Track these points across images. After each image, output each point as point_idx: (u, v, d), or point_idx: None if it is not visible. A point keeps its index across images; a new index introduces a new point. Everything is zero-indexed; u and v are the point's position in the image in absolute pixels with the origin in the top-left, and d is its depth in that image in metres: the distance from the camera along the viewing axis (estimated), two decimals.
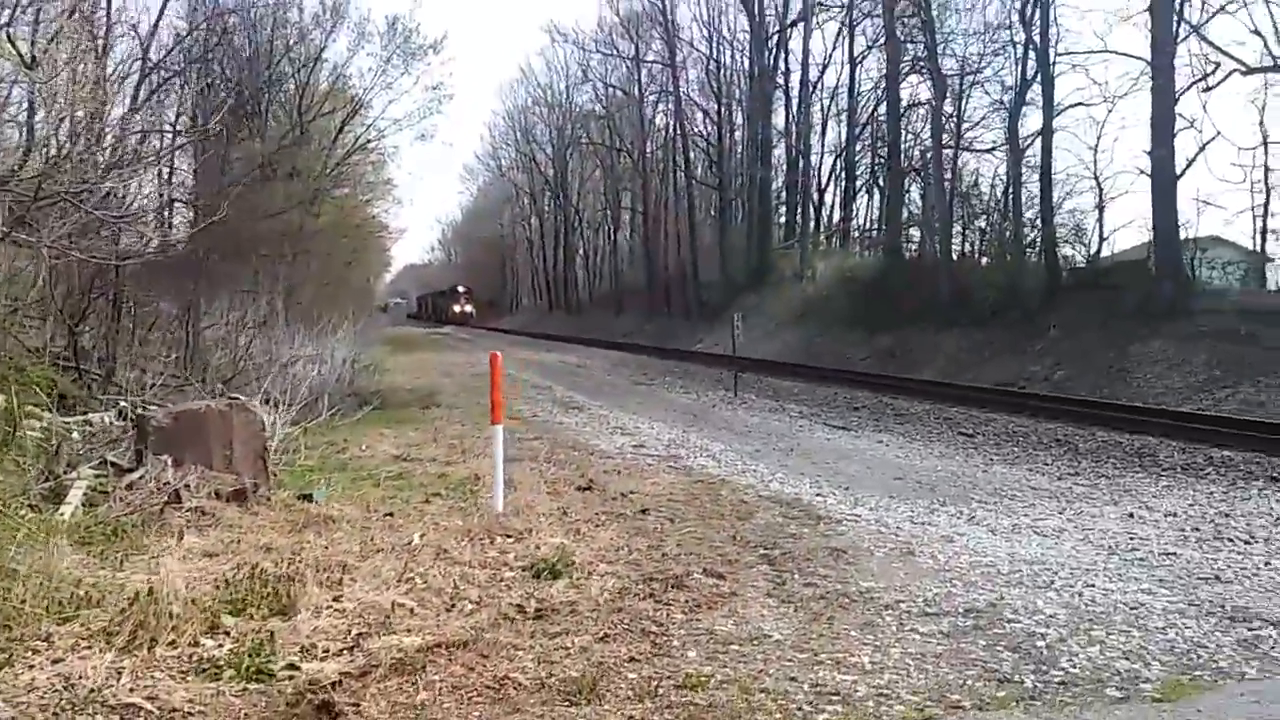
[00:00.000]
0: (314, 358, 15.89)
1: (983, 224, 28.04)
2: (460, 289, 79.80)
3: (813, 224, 40.32)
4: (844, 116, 39.46)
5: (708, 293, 40.57)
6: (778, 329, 33.13)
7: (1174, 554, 5.90)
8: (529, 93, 58.77)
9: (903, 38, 29.74)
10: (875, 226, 36.86)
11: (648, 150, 46.67)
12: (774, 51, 38.98)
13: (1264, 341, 17.03)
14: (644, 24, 43.93)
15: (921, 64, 27.28)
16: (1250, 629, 4.36)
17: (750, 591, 5.01)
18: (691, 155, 43.83)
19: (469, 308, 77.57)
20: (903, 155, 32.20)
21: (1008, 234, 25.38)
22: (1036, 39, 23.06)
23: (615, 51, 46.78)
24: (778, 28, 38.51)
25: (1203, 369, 17.26)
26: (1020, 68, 24.37)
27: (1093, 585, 5.15)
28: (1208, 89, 20.48)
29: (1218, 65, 18.98)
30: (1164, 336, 18.72)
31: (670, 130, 44.72)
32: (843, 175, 40.18)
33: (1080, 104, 23.23)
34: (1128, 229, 42.14)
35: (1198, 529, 6.74)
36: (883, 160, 34.15)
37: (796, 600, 4.85)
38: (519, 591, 4.76)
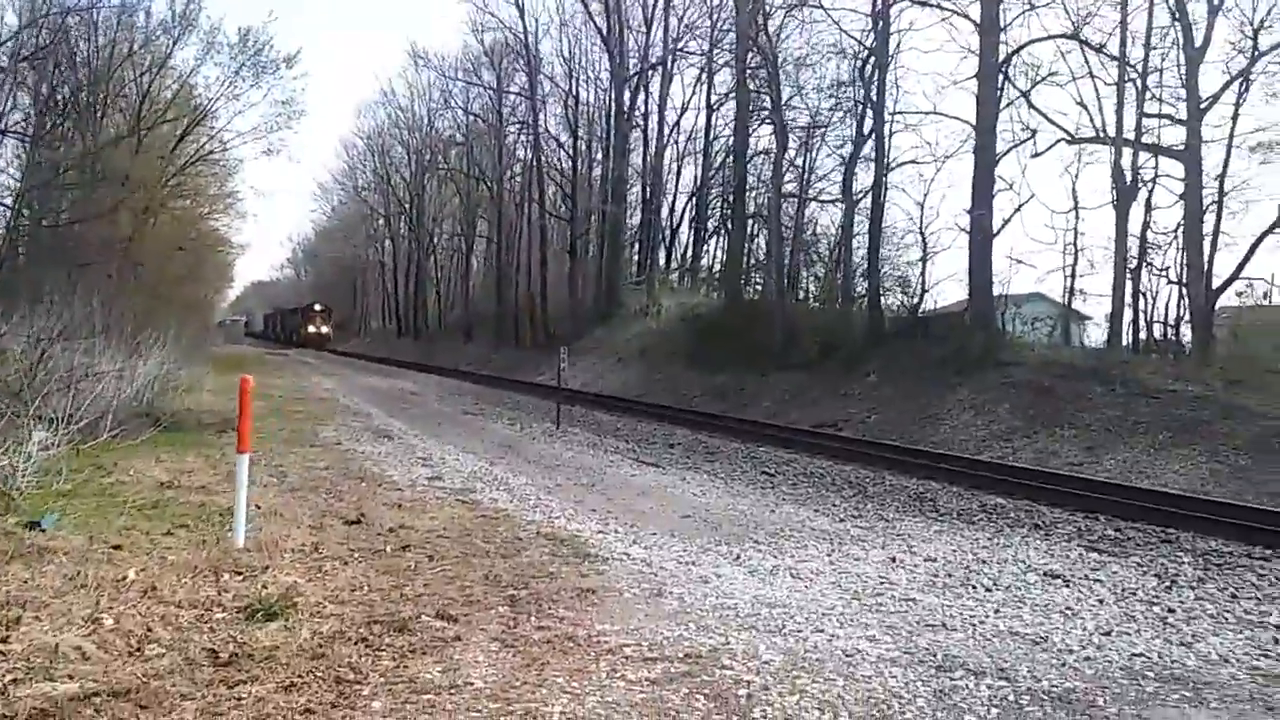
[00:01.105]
0: (114, 374, 14.98)
1: (819, 271, 28.84)
2: (317, 307, 72.68)
3: (663, 262, 40.88)
4: (700, 159, 40.34)
5: (557, 325, 40.49)
6: (621, 364, 33.27)
7: (914, 600, 6.03)
8: (389, 115, 57.93)
9: (754, 88, 30.52)
10: (722, 268, 37.51)
11: (505, 180, 46.43)
12: (633, 92, 39.45)
13: (1061, 394, 17.99)
14: (508, 55, 43.85)
15: (767, 114, 28.02)
16: (951, 679, 4.44)
17: (478, 635, 4.84)
18: (548, 189, 43.81)
19: (325, 328, 70.51)
20: (750, 201, 32.95)
21: (838, 282, 26.17)
22: (874, 97, 23.95)
23: (478, 80, 46.56)
24: (638, 69, 38.98)
25: (1006, 418, 18.08)
26: (857, 124, 25.27)
27: (821, 630, 5.19)
28: (1035, 155, 21.74)
29: (1035, 132, 20.08)
30: (973, 386, 19.57)
31: (528, 162, 44.61)
32: (694, 217, 40.97)
33: (912, 161, 24.55)
34: (951, 282, 44.20)
35: (950, 575, 6.92)
36: (729, 205, 34.85)
37: (519, 645, 4.72)
38: (222, 635, 4.47)
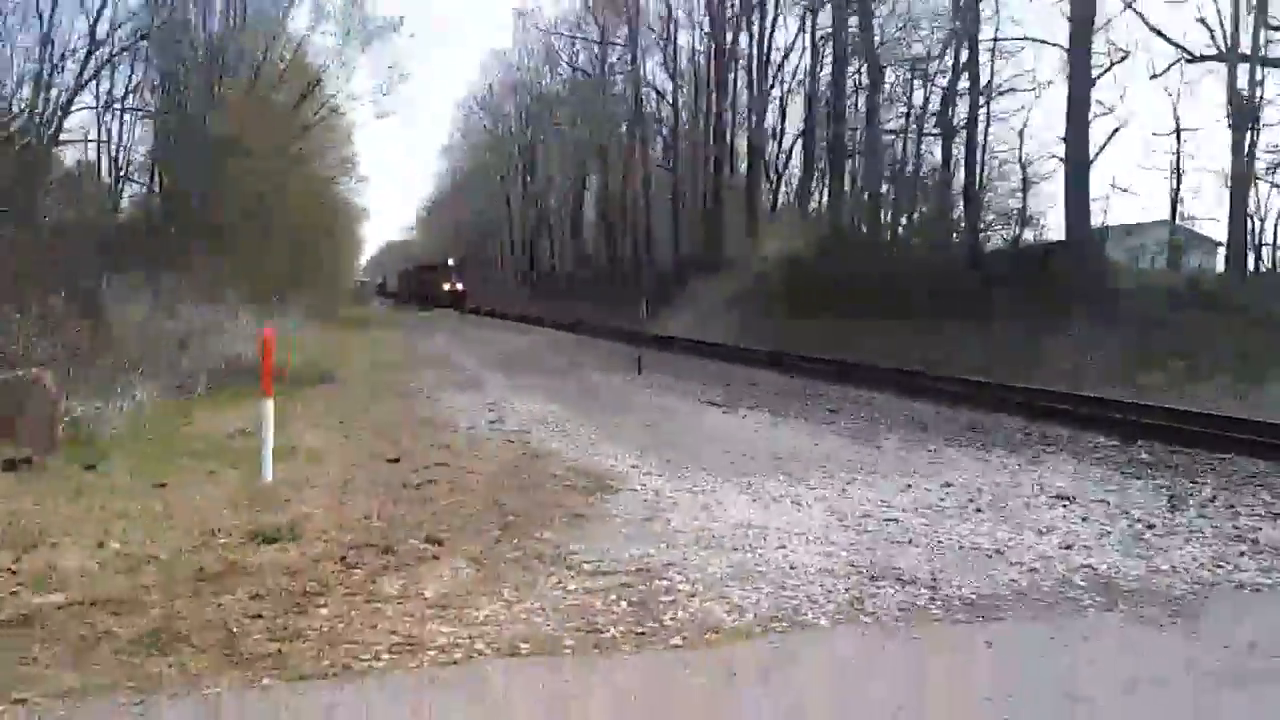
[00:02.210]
0: (222, 333, 16.11)
1: (923, 207, 28.24)
2: (450, 262, 66.31)
3: (769, 207, 40.56)
4: (806, 100, 39.65)
5: (665, 273, 40.74)
6: (723, 310, 33.33)
7: (896, 521, 6.20)
8: (500, 73, 58.84)
9: (853, 25, 29.88)
10: (826, 210, 36.99)
11: (611, 133, 46.76)
12: (734, 35, 39.06)
13: (1168, 323, 17.35)
14: (609, 7, 43.91)
15: (855, 49, 27.46)
16: (876, 587, 4.65)
17: (455, 556, 5.26)
18: (649, 137, 43.92)
19: (461, 285, 63.60)
20: (851, 140, 32.37)
21: (937, 217, 25.61)
22: (968, 25, 23.21)
23: (582, 34, 46.83)
24: (736, 10, 38.56)
25: (1109, 350, 17.53)
26: (955, 55, 24.54)
27: (783, 548, 5.45)
28: (1154, 76, 20.76)
29: (1126, 54, 19.19)
30: (1075, 319, 18.98)
31: (631, 113, 44.81)
32: (802, 159, 40.41)
33: (1011, 90, 23.46)
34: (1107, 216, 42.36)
35: (955, 498, 6.99)
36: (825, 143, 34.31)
37: (488, 563, 5.13)
38: (217, 556, 5.03)
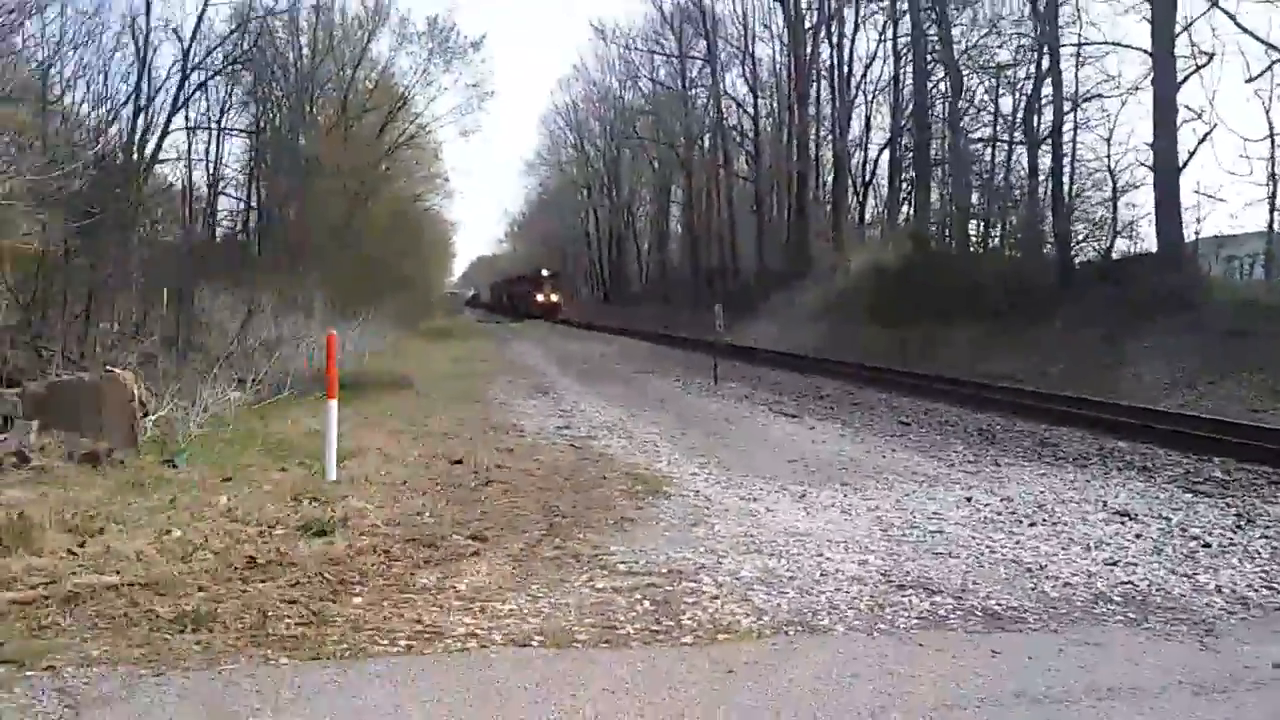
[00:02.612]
0: (306, 341, 16.65)
1: (1012, 218, 27.68)
2: (544, 273, 64.53)
3: (855, 216, 40.19)
4: (890, 109, 39.25)
5: (749, 285, 40.69)
6: (807, 322, 33.19)
7: (944, 533, 6.13)
8: (583, 89, 59.54)
9: (932, 33, 29.50)
10: (911, 220, 36.50)
11: (693, 146, 46.91)
12: (813, 45, 38.85)
13: (1257, 335, 16.70)
14: (687, 21, 44.14)
15: (938, 57, 27.08)
16: (901, 595, 4.64)
17: (496, 553, 5.42)
18: (730, 150, 43.93)
19: (555, 297, 61.88)
20: (936, 149, 31.92)
21: (1026, 226, 25.08)
22: (1048, 29, 22.74)
23: (660, 49, 47.13)
24: (814, 21, 38.38)
25: (1193, 363, 16.98)
26: (1036, 61, 24.04)
27: (821, 555, 5.46)
28: (1249, 79, 20.03)
29: (1211, 56, 18.56)
30: (1161, 331, 18.43)
31: (712, 125, 44.91)
32: (890, 169, 39.94)
33: (1097, 95, 22.85)
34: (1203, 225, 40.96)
35: (1012, 512, 6.90)
36: (911, 153, 33.87)
37: (526, 560, 5.27)
38: (269, 546, 5.26)
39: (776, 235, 40.06)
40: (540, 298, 61.82)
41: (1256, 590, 4.89)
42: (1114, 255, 22.89)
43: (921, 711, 3.19)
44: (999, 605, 4.48)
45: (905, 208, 39.56)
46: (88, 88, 22.76)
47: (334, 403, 7.27)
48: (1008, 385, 17.32)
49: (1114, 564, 5.32)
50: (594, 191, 64.61)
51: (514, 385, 16.67)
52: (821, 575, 5.01)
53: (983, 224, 29.04)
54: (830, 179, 41.26)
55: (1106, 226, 22.90)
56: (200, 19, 26.55)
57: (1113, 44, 21.82)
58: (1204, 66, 18.86)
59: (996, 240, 28.57)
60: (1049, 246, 24.28)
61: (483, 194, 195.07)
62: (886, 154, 39.70)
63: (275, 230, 32.92)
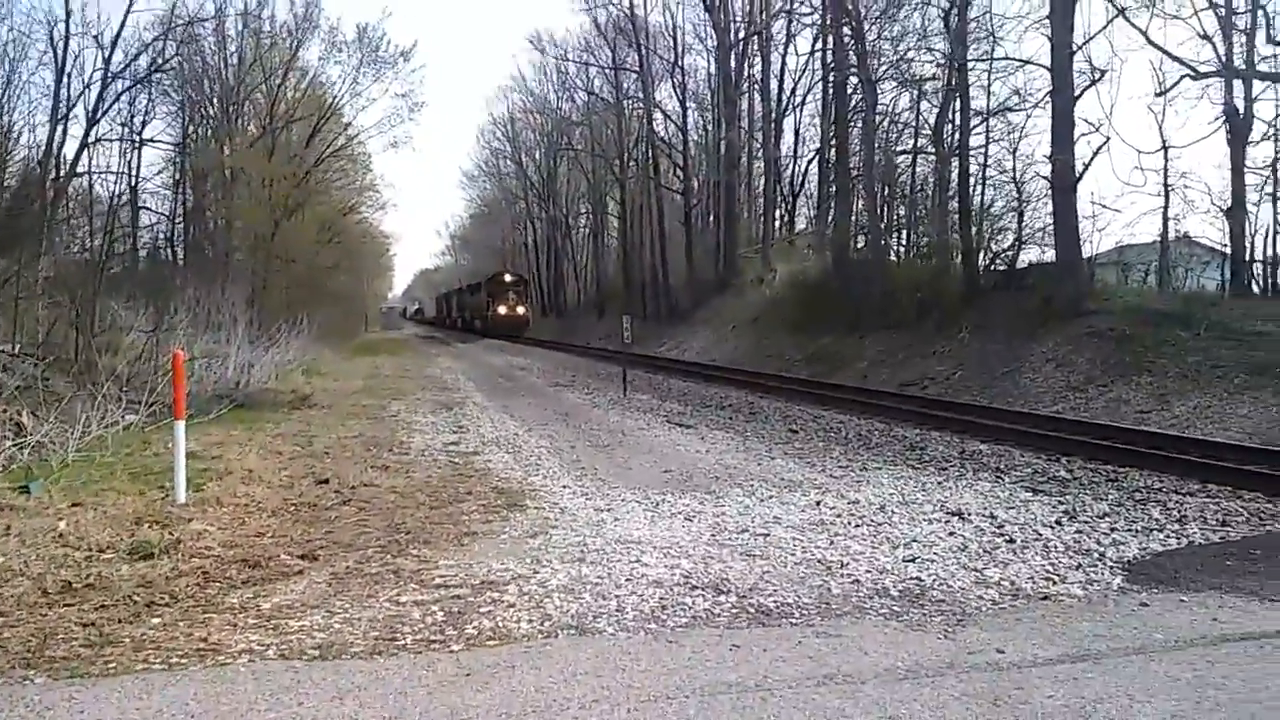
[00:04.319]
0: (202, 360, 16.54)
1: (922, 229, 28.30)
2: (507, 278, 53.13)
3: (781, 227, 40.75)
4: (819, 122, 39.93)
5: (680, 296, 41.04)
6: (733, 333, 33.60)
7: (768, 535, 6.38)
8: (520, 99, 59.65)
9: (849, 43, 30.06)
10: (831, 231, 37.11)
11: (625, 158, 47.24)
12: (739, 60, 39.41)
13: (1143, 340, 17.29)
14: (621, 32, 44.46)
15: (853, 70, 27.61)
16: (688, 594, 4.92)
17: (321, 572, 5.54)
18: (662, 163, 44.33)
19: (522, 309, 51.73)
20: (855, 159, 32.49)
21: (935, 237, 25.68)
22: (957, 46, 23.33)
23: (594, 60, 47.45)
24: (742, 35, 38.92)
25: (1085, 368, 17.53)
26: (946, 75, 24.63)
27: (638, 561, 5.69)
28: (1160, 93, 20.76)
29: (1104, 73, 19.27)
30: (1056, 337, 19.00)
31: (643, 137, 45.26)
32: (819, 181, 40.57)
33: (1004, 109, 23.50)
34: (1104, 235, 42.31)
35: (850, 514, 7.16)
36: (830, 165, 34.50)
37: (345, 578, 5.38)
38: (87, 570, 5.32)
39: (706, 247, 40.46)
40: (503, 309, 50.57)
41: (1035, 582, 5.18)
42: (1019, 265, 23.49)
43: (630, 705, 3.40)
44: (775, 602, 4.72)
45: (831, 218, 40.22)
46: (2, 95, 22.53)
47: (181, 424, 7.31)
48: (898, 393, 17.79)
49: (912, 560, 5.59)
50: (532, 204, 64.62)
51: (420, 401, 16.73)
52: (627, 580, 5.21)
53: (898, 235, 29.67)
54: (760, 190, 41.85)
55: (1011, 237, 23.49)
56: (123, 25, 26.28)
57: (1014, 59, 22.53)
58: (1097, 82, 19.56)
59: (911, 251, 29.18)
60: (957, 256, 24.86)
61: (425, 208, 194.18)
62: (815, 165, 40.40)
63: (197, 244, 32.62)
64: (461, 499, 7.87)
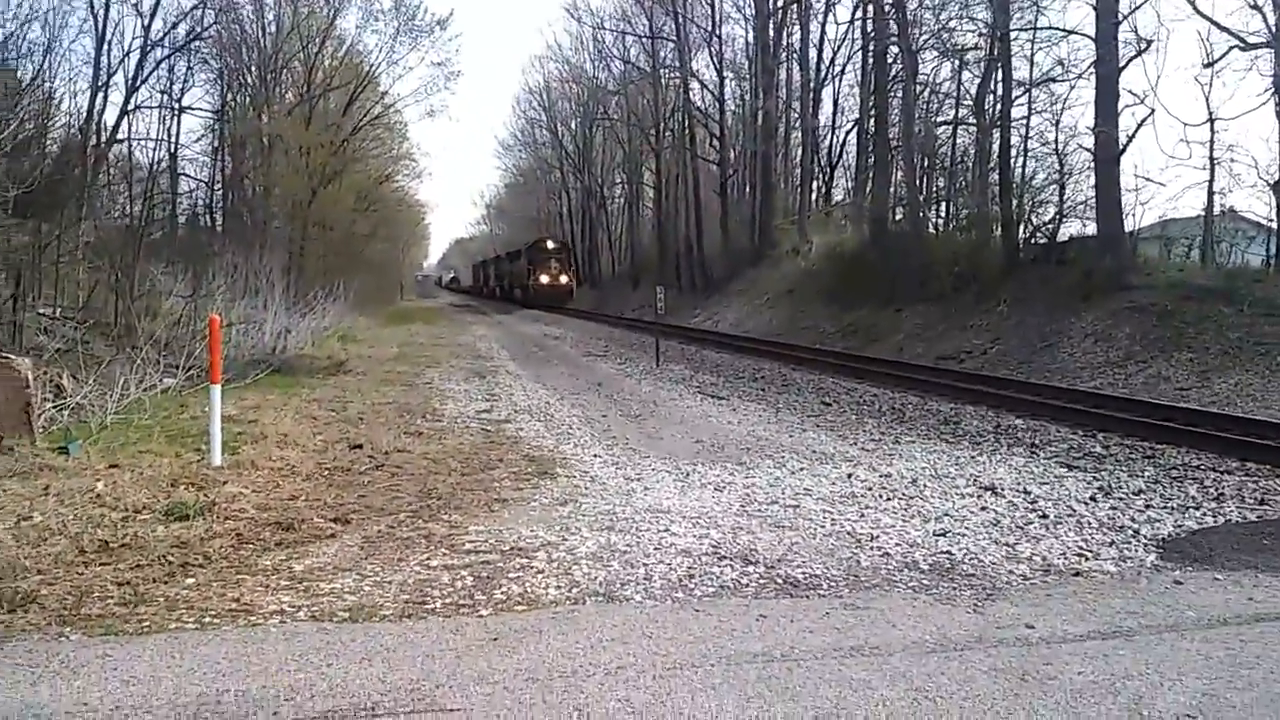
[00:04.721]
0: (240, 326, 16.71)
1: (962, 201, 27.92)
2: (549, 245, 51.21)
3: (819, 200, 40.39)
4: (859, 92, 39.43)
5: (714, 267, 40.86)
6: (768, 305, 33.42)
7: (799, 507, 6.36)
8: (557, 68, 59.36)
9: (889, 12, 29.62)
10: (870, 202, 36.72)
11: (661, 127, 46.93)
12: (778, 28, 38.92)
13: (1185, 316, 17.01)
14: (657, 1, 44.02)
15: (892, 38, 27.22)
16: (716, 565, 4.90)
17: (353, 535, 5.60)
18: (698, 133, 44.01)
19: (565, 278, 49.59)
20: (894, 130, 32.09)
21: (975, 209, 25.34)
22: (999, 14, 22.91)
23: (630, 29, 47.05)
24: (780, 4, 38.42)
25: (1125, 344, 17.28)
26: (989, 45, 24.21)
27: (666, 530, 5.70)
28: (1208, 64, 20.28)
29: (1150, 42, 18.84)
30: (1097, 312, 18.73)
31: (679, 106, 44.95)
32: (857, 151, 40.14)
33: (1049, 80, 23.07)
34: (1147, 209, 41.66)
35: (882, 487, 7.14)
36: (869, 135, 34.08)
37: (379, 542, 5.44)
38: (124, 531, 5.40)
39: (742, 217, 40.21)
40: (545, 279, 48.34)
41: (1066, 558, 5.13)
42: (1059, 238, 23.14)
43: (655, 672, 3.41)
44: (803, 574, 4.70)
45: (869, 189, 39.81)
46: (44, 61, 22.75)
47: (217, 388, 7.39)
48: (934, 366, 17.64)
49: (943, 534, 5.55)
50: (567, 174, 64.44)
51: (454, 369, 16.81)
52: (655, 549, 5.21)
53: (937, 207, 29.32)
54: (797, 161, 41.48)
55: (1052, 210, 23.13)
56: None
57: (1058, 29, 22.11)
58: (1144, 52, 19.14)
59: (951, 223, 28.82)
60: (997, 229, 24.54)
61: (461, 176, 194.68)
62: (854, 136, 39.96)
63: (235, 210, 32.88)
64: (493, 466, 7.91)
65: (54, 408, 9.47)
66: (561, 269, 49.52)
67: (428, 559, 5.04)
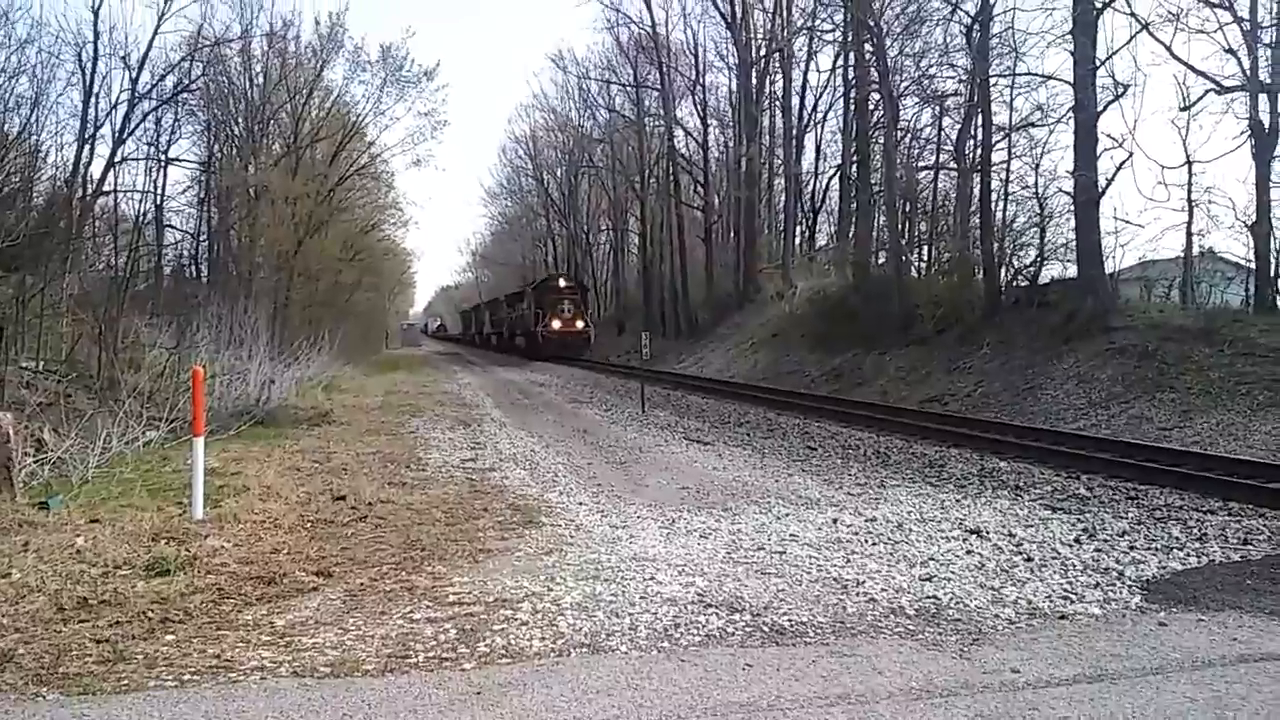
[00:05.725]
0: (223, 378, 16.63)
1: (944, 245, 28.21)
2: (560, 283, 44.46)
3: (801, 244, 40.73)
4: (841, 138, 39.98)
5: (699, 312, 41.04)
6: (752, 349, 33.55)
7: (785, 553, 6.34)
8: (543, 117, 59.98)
9: (870, 60, 30.10)
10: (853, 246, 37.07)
11: (646, 174, 47.38)
12: (760, 76, 39.50)
13: (1166, 357, 17.15)
14: (642, 50, 44.68)
15: (874, 85, 27.65)
16: (700, 613, 4.88)
17: (335, 588, 5.55)
18: (683, 179, 44.45)
19: (581, 323, 42.68)
20: (876, 175, 32.48)
21: (957, 253, 25.59)
22: (979, 61, 23.30)
23: (615, 78, 47.65)
24: (763, 52, 39.03)
25: (1107, 385, 17.39)
26: (969, 90, 24.60)
27: (652, 579, 5.67)
28: (1184, 108, 20.62)
29: (1126, 87, 19.18)
30: (1079, 354, 18.87)
31: (663, 154, 45.42)
32: (840, 197, 40.59)
33: (1027, 124, 23.41)
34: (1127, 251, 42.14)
35: (867, 531, 7.14)
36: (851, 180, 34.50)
37: (359, 594, 5.39)
38: (104, 587, 5.33)
39: (726, 263, 40.48)
40: (556, 324, 41.39)
41: (1052, 601, 5.13)
42: (1041, 281, 23.35)
43: None
44: (789, 621, 4.69)
45: (853, 234, 40.18)
46: (31, 115, 22.81)
47: (200, 440, 7.36)
48: (918, 410, 17.70)
49: (929, 579, 5.55)
50: (553, 221, 64.82)
51: (439, 418, 16.77)
52: (641, 598, 5.19)
53: (919, 251, 29.59)
54: (781, 207, 41.88)
55: (1033, 253, 23.37)
56: (150, 46, 26.63)
57: (1037, 75, 22.48)
58: (1121, 97, 19.46)
59: (933, 267, 29.07)
60: (979, 272, 24.75)
61: (448, 225, 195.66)
62: (837, 181, 40.41)
63: (221, 261, 32.91)
64: (477, 515, 7.87)
65: (35, 462, 9.39)
66: (576, 313, 42.48)
67: (411, 611, 5.01)
